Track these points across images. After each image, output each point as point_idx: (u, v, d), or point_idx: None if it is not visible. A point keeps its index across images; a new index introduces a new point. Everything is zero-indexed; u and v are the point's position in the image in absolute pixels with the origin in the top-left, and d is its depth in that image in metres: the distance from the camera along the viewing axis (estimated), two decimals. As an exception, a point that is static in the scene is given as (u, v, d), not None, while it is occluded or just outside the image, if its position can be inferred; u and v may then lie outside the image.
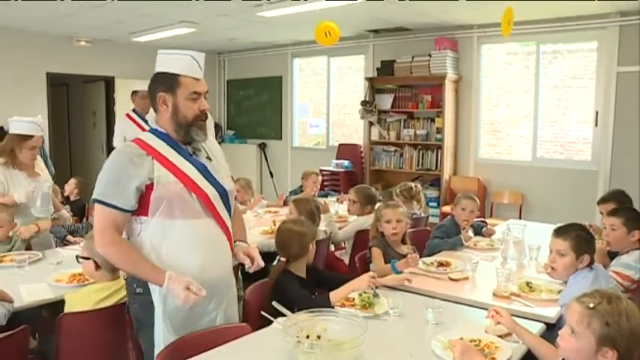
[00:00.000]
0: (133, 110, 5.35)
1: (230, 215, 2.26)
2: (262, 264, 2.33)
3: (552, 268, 2.62)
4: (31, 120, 3.66)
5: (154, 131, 2.17)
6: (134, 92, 5.29)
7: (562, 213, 5.83)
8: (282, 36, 7.95)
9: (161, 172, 2.07)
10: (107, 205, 2.03)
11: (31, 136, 3.60)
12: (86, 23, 6.90)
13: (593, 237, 2.60)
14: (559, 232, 2.61)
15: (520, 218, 6.03)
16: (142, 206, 2.06)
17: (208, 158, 2.24)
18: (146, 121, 5.32)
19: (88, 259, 2.63)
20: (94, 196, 2.06)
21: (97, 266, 2.61)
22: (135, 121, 5.33)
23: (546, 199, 6.38)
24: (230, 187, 2.28)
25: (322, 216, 4.02)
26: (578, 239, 2.52)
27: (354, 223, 4.34)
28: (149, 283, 2.10)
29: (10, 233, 3.42)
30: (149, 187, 2.05)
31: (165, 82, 2.10)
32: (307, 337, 1.97)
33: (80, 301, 2.53)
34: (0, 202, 3.42)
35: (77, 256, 2.71)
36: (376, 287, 2.58)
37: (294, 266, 2.67)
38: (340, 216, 4.83)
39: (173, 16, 6.32)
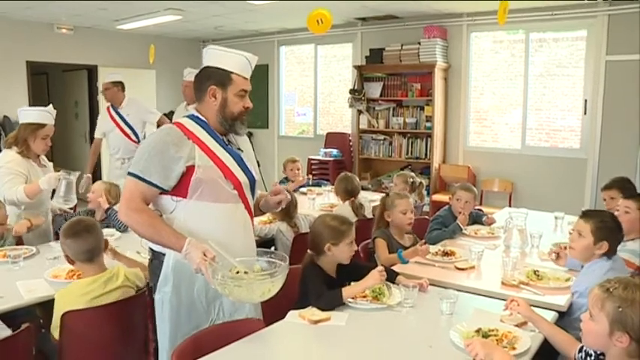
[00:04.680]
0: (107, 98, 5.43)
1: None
2: (289, 196, 2.58)
3: (571, 247, 2.63)
4: (42, 109, 3.62)
5: (193, 118, 2.26)
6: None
7: (551, 201, 5.89)
8: (269, 24, 7.85)
9: (201, 156, 2.16)
10: (144, 181, 2.12)
11: (44, 125, 3.56)
12: (68, 10, 6.71)
13: (619, 227, 2.57)
14: (585, 214, 2.63)
15: (510, 206, 6.08)
16: (181, 187, 2.15)
17: (239, 149, 2.35)
18: (119, 115, 5.33)
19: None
20: (134, 171, 2.14)
21: (70, 261, 2.56)
22: (110, 114, 5.42)
23: (536, 186, 6.43)
24: (258, 177, 2.39)
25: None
26: (601, 224, 2.52)
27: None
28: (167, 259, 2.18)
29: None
30: (190, 170, 2.13)
31: (218, 76, 2.22)
32: (237, 272, 2.02)
33: (74, 299, 2.43)
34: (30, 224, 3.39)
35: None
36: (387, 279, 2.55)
37: (323, 262, 2.59)
38: (332, 204, 4.80)
39: (160, 3, 6.18)
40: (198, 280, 2.16)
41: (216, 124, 2.26)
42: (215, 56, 2.26)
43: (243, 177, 2.28)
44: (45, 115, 3.59)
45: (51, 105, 3.73)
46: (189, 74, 5.33)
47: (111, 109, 5.40)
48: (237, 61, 2.23)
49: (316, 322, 2.21)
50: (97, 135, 5.54)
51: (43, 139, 3.57)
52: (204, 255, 1.99)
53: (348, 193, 4.45)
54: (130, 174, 2.16)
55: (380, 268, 2.53)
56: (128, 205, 2.14)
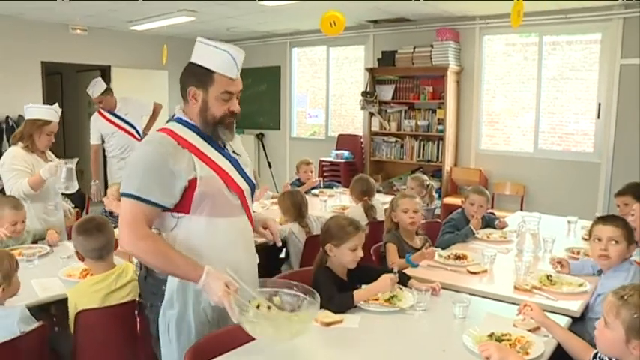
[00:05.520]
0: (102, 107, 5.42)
1: None
2: (279, 242, 2.34)
3: (605, 255, 2.58)
4: (48, 107, 3.76)
5: (182, 122, 2.04)
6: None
7: (563, 205, 5.87)
8: (282, 25, 7.86)
9: (202, 167, 1.97)
10: (144, 201, 1.89)
11: (50, 122, 3.69)
12: (82, 11, 6.77)
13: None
14: (609, 220, 2.62)
15: (522, 210, 6.03)
16: (183, 203, 1.95)
17: (235, 153, 2.16)
18: (117, 116, 5.35)
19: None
20: (129, 191, 1.90)
21: (80, 257, 2.59)
22: (106, 118, 5.42)
23: (548, 190, 6.39)
24: (255, 182, 2.25)
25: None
26: (628, 227, 2.56)
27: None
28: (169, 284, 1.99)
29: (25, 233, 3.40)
30: (192, 183, 1.93)
31: (199, 76, 1.99)
32: (258, 306, 1.85)
33: (87, 296, 2.46)
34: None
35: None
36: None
37: (333, 264, 2.57)
38: (344, 207, 4.82)
39: (173, 4, 6.21)
40: (205, 297, 1.97)
41: (202, 127, 2.04)
42: (198, 51, 2.01)
43: (244, 184, 2.11)
44: (51, 112, 3.72)
45: (57, 104, 3.86)
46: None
47: (106, 113, 5.39)
48: (219, 58, 1.96)
49: (328, 324, 2.20)
50: (94, 142, 5.47)
51: (47, 136, 3.71)
52: (226, 286, 1.82)
53: (364, 194, 4.46)
54: (124, 195, 1.92)
55: (392, 275, 2.48)
56: (134, 231, 1.89)
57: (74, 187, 3.60)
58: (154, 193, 1.90)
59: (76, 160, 3.63)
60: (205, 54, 1.98)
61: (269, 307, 1.87)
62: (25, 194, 3.51)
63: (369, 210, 4.34)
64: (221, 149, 2.08)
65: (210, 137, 2.05)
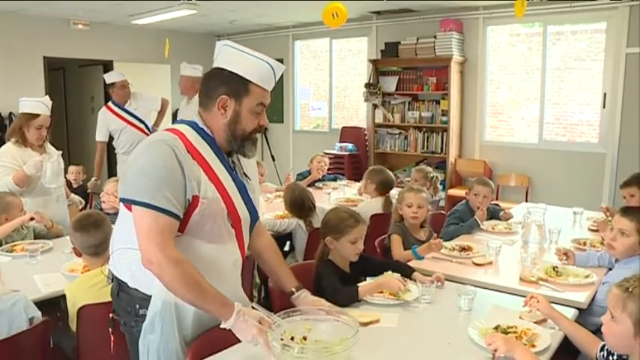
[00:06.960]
0: (112, 101, 5.33)
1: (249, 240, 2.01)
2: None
3: (611, 245, 2.60)
4: (37, 99, 3.69)
5: (198, 129, 1.84)
6: (111, 84, 5.34)
7: (568, 196, 5.83)
8: (284, 18, 7.82)
9: (208, 186, 1.76)
10: (165, 213, 1.66)
11: (38, 115, 3.62)
12: (84, 6, 6.74)
13: None
14: (627, 212, 2.60)
15: (526, 201, 6.00)
16: (182, 220, 1.74)
17: (245, 174, 1.97)
18: (127, 111, 5.30)
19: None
20: (143, 199, 1.66)
21: (77, 252, 2.61)
22: (116, 113, 5.33)
23: (553, 181, 6.35)
24: (260, 212, 2.06)
25: None
26: None
27: (361, 209, 4.17)
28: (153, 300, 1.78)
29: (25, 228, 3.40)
30: (194, 201, 1.73)
31: (233, 84, 1.79)
32: (292, 338, 1.75)
33: (84, 291, 2.44)
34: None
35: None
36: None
37: (335, 256, 2.55)
38: (349, 199, 4.80)
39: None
40: (187, 316, 1.81)
41: (223, 141, 1.85)
42: (231, 57, 1.82)
43: (245, 212, 1.90)
44: (39, 105, 3.65)
45: (47, 96, 3.80)
46: (185, 68, 5.32)
47: (115, 108, 5.31)
48: (258, 68, 1.80)
49: (366, 324, 2.11)
50: (101, 138, 5.36)
51: (37, 129, 3.63)
52: (260, 323, 1.70)
53: (384, 186, 4.29)
54: (137, 203, 1.67)
55: (403, 280, 2.43)
56: (164, 252, 1.64)
57: (59, 182, 3.64)
58: (172, 202, 1.67)
59: (60, 153, 3.64)
60: (241, 62, 1.81)
61: (304, 338, 1.78)
62: (11, 190, 3.48)
63: (388, 205, 4.13)
64: (231, 169, 1.88)
65: (222, 154, 1.86)
